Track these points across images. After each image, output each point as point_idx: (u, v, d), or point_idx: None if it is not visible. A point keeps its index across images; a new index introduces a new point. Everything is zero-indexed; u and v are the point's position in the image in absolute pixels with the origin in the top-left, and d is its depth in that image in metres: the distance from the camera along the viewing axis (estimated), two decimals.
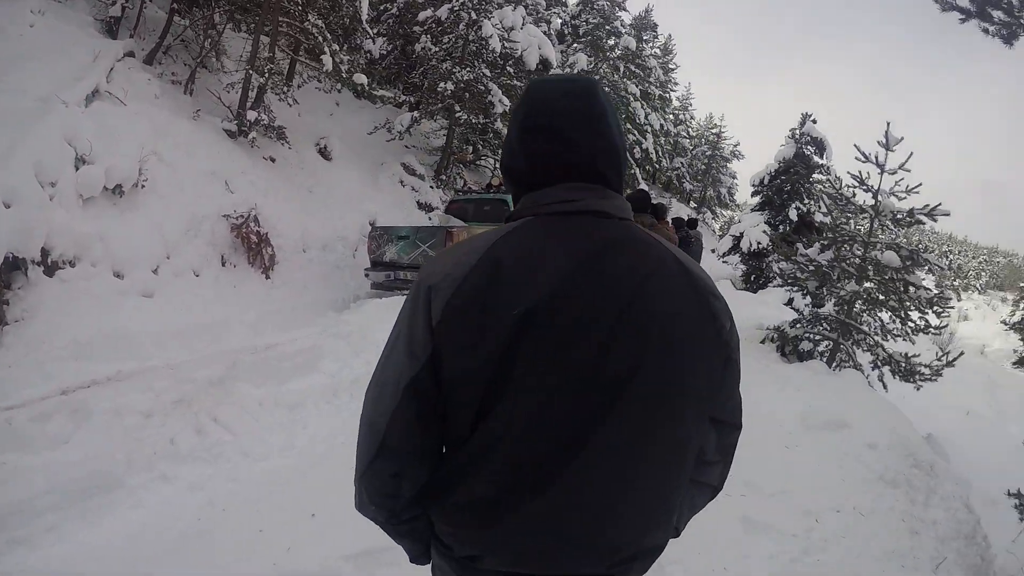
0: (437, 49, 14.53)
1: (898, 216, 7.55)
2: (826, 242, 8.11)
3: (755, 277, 19.43)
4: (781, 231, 19.31)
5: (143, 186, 8.03)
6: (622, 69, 27.51)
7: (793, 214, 19.17)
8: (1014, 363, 26.82)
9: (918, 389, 7.31)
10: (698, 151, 47.26)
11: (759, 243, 19.10)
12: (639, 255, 1.10)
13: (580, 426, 1.02)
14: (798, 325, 8.28)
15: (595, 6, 28.00)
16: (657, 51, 39.22)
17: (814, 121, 19.42)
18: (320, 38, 11.05)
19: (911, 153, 7.36)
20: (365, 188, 12.97)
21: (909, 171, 7.40)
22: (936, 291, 7.49)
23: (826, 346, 8.14)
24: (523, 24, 16.60)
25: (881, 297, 7.60)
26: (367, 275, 9.64)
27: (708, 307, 1.13)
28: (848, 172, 7.78)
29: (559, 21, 26.35)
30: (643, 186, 29.87)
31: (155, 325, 6.78)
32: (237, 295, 8.62)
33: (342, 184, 12.38)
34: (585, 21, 27.91)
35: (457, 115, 13.90)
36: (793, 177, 19.43)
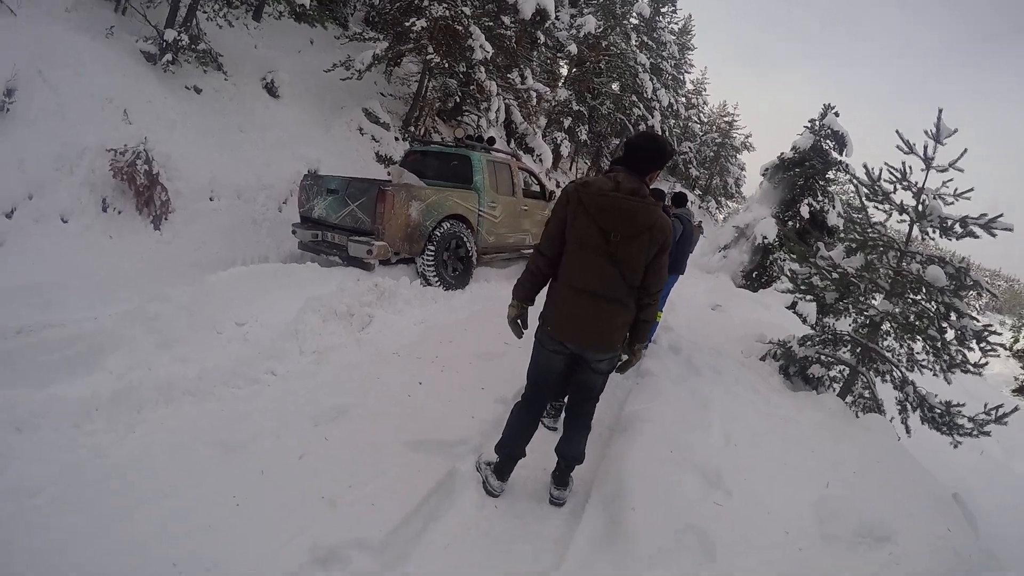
0: None
1: (947, 223, 5.73)
2: (854, 245, 6.42)
3: (757, 274, 17.80)
4: (790, 227, 17.74)
5: (7, 109, 6.75)
6: (633, 39, 25.49)
7: (805, 211, 17.51)
8: (1014, 390, 25.47)
9: (956, 446, 5.58)
10: (708, 138, 45.67)
11: (766, 238, 17.52)
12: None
13: None
14: (808, 343, 6.65)
15: None
16: (674, 28, 37.16)
17: (836, 114, 17.63)
18: None
19: (965, 149, 5.68)
20: (312, 132, 11.07)
21: (962, 171, 5.72)
22: (982, 322, 5.71)
23: (839, 370, 6.61)
24: None
25: (917, 322, 5.84)
26: (294, 232, 7.91)
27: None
28: (886, 164, 6.09)
29: None
30: None
31: None
32: (113, 248, 6.92)
33: (283, 125, 10.50)
34: None
35: (429, 58, 11.88)
36: (808, 171, 17.71)
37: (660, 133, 28.67)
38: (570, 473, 3.46)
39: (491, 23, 13.50)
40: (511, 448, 3.29)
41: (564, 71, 25.47)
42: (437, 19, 11.97)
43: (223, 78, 10.17)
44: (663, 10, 33.14)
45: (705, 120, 47.15)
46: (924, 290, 5.77)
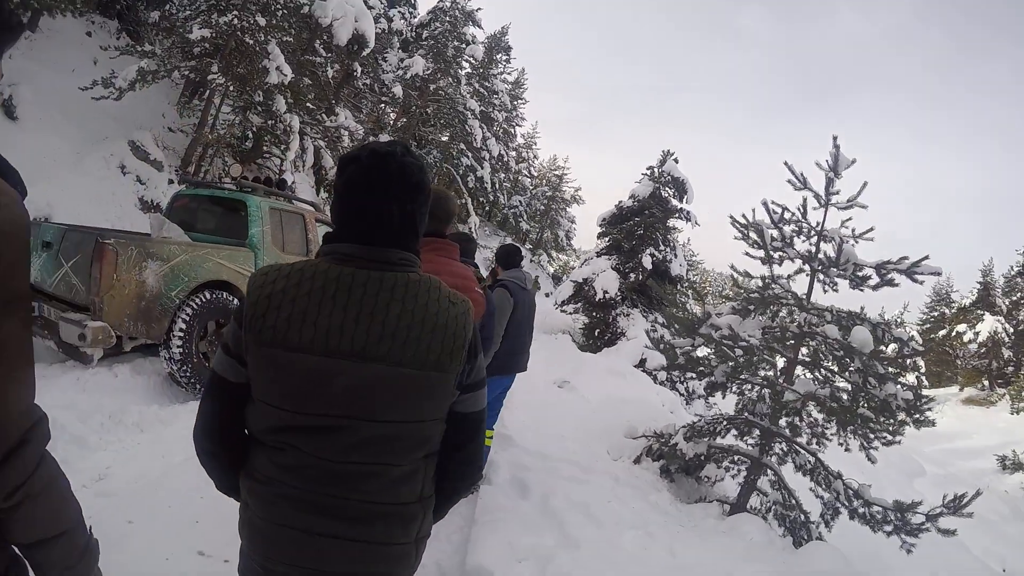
0: None
1: (860, 271, 5.06)
2: (751, 306, 5.43)
3: (599, 332, 17.08)
4: (632, 279, 17.22)
5: None
6: (463, 83, 24.69)
7: (647, 261, 17.00)
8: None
9: (909, 552, 4.68)
10: (538, 191, 46.08)
11: (606, 292, 16.78)
12: None
13: None
14: (697, 437, 5.53)
15: (447, 15, 25.06)
16: (507, 78, 37.13)
17: (676, 160, 17.47)
18: None
19: (865, 183, 5.20)
20: (54, 167, 8.75)
21: (865, 207, 5.22)
22: (908, 387, 4.85)
23: (732, 462, 5.62)
24: None
25: (864, 408, 4.85)
26: None
27: None
28: (772, 202, 5.39)
29: (402, 22, 23.06)
30: (473, 219, 27.11)
31: None
32: None
33: (11, 154, 8.22)
34: (433, 29, 24.92)
35: (211, 77, 9.90)
36: (648, 219, 17.30)
37: (488, 184, 27.94)
38: None
39: (290, 40, 11.66)
40: None
41: (392, 118, 24.12)
42: (223, 30, 10.08)
43: None
44: (496, 57, 32.91)
45: (536, 174, 47.74)
46: (851, 359, 4.92)
